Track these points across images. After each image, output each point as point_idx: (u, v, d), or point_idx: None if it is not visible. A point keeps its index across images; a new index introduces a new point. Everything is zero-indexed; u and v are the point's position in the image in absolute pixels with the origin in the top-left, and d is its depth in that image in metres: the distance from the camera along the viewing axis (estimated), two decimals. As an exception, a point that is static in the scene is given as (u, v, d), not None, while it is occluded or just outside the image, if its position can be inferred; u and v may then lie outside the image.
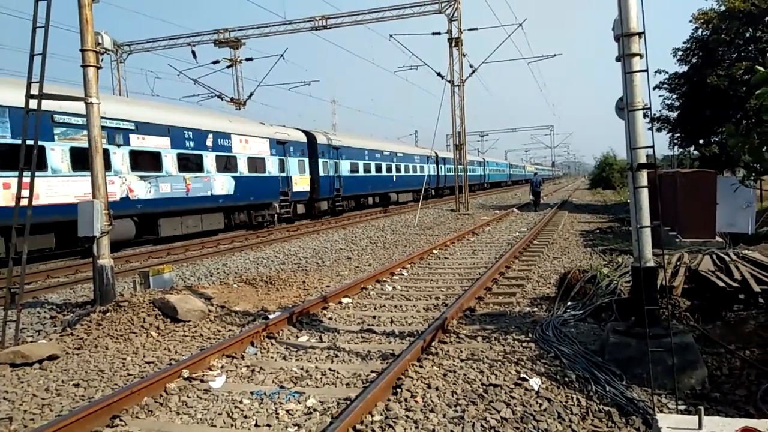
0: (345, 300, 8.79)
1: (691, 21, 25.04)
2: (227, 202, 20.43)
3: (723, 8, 23.29)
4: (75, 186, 14.22)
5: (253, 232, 21.13)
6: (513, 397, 4.65)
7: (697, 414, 2.96)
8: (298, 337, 6.98)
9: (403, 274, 11.12)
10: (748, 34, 23.38)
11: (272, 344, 6.66)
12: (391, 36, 27.48)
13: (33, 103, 7.51)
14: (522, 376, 5.05)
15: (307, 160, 26.52)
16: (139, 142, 16.67)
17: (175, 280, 10.32)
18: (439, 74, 28.29)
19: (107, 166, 14.90)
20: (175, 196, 17.87)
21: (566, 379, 4.98)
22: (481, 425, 4.21)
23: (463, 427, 4.18)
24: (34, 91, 7.43)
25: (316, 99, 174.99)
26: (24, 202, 7.34)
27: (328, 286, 10.19)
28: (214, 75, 33.27)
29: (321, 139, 27.95)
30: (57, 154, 14.08)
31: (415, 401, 4.67)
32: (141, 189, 16.62)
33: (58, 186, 14.04)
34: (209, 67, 30.22)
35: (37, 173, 12.06)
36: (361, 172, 32.18)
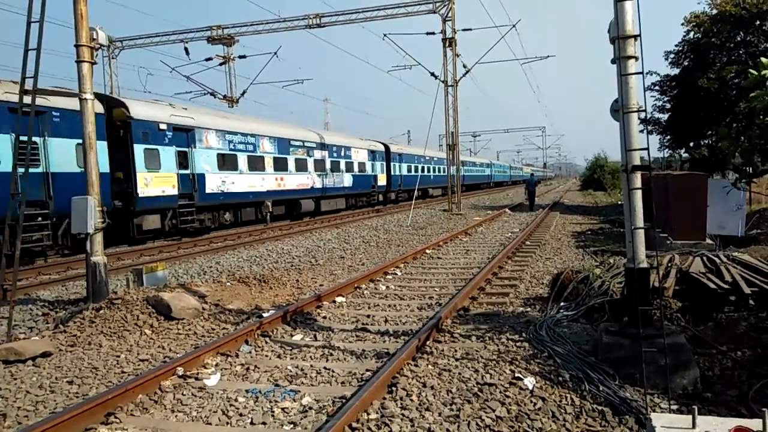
0: (339, 299, 8.80)
1: (683, 24, 25.24)
2: (348, 192, 32.13)
3: (715, 12, 23.49)
4: (295, 179, 26.05)
5: (252, 229, 21.25)
6: (508, 396, 4.68)
7: (691, 413, 3.00)
8: (292, 335, 6.99)
9: (396, 274, 11.14)
10: (739, 38, 23.60)
11: (267, 342, 6.67)
12: (385, 35, 27.56)
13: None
14: (516, 375, 5.09)
15: (384, 164, 37.73)
16: (317, 154, 28.29)
17: (168, 278, 10.29)
18: (432, 74, 28.40)
19: (305, 168, 27.06)
20: (329, 186, 29.43)
21: (560, 378, 5.02)
22: (477, 424, 4.24)
23: (458, 426, 4.21)
24: (29, 86, 7.36)
25: (309, 97, 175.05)
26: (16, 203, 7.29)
27: (321, 285, 10.20)
28: (206, 72, 33.30)
29: (393, 149, 39.11)
30: (291, 161, 25.82)
31: (411, 400, 4.69)
32: (317, 182, 28.07)
33: (290, 179, 25.67)
34: (202, 64, 30.09)
35: (281, 173, 24.83)
36: (413, 172, 42.74)
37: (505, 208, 28.91)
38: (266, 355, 6.25)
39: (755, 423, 2.93)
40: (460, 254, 13.79)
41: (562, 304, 7.59)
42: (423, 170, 44.92)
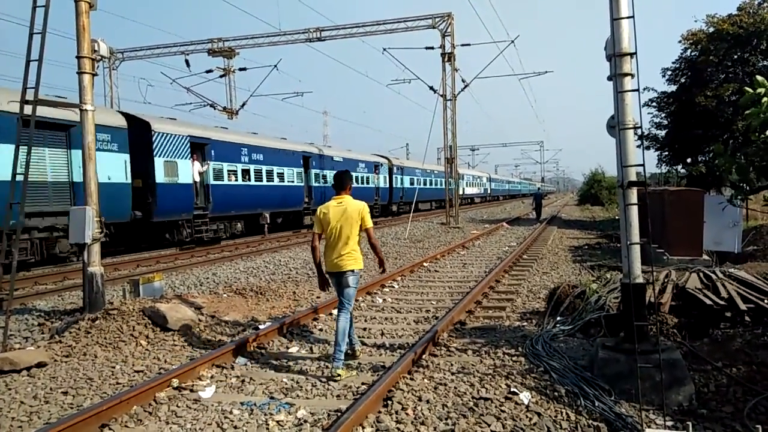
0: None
1: (680, 42, 25.49)
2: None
3: (712, 30, 23.72)
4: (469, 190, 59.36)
5: (244, 242, 21.23)
6: (503, 411, 4.67)
7: (686, 430, 3.01)
8: (288, 347, 6.97)
9: (393, 287, 11.13)
10: (736, 56, 23.81)
11: (262, 354, 6.65)
12: (384, 49, 27.68)
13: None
14: (512, 389, 5.08)
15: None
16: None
17: (165, 289, 10.26)
18: (431, 88, 28.51)
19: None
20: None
21: (556, 393, 5.01)
22: (472, 438, 4.23)
23: (453, 440, 4.20)
24: (30, 97, 7.40)
25: (309, 110, 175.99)
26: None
27: (318, 297, 10.17)
28: (206, 84, 33.43)
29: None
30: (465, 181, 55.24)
31: (406, 414, 4.68)
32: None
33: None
34: (202, 76, 30.28)
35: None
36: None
37: (502, 222, 28.93)
38: (262, 368, 6.23)
39: (749, 440, 2.94)
40: (458, 268, 13.79)
41: (558, 318, 7.60)
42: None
